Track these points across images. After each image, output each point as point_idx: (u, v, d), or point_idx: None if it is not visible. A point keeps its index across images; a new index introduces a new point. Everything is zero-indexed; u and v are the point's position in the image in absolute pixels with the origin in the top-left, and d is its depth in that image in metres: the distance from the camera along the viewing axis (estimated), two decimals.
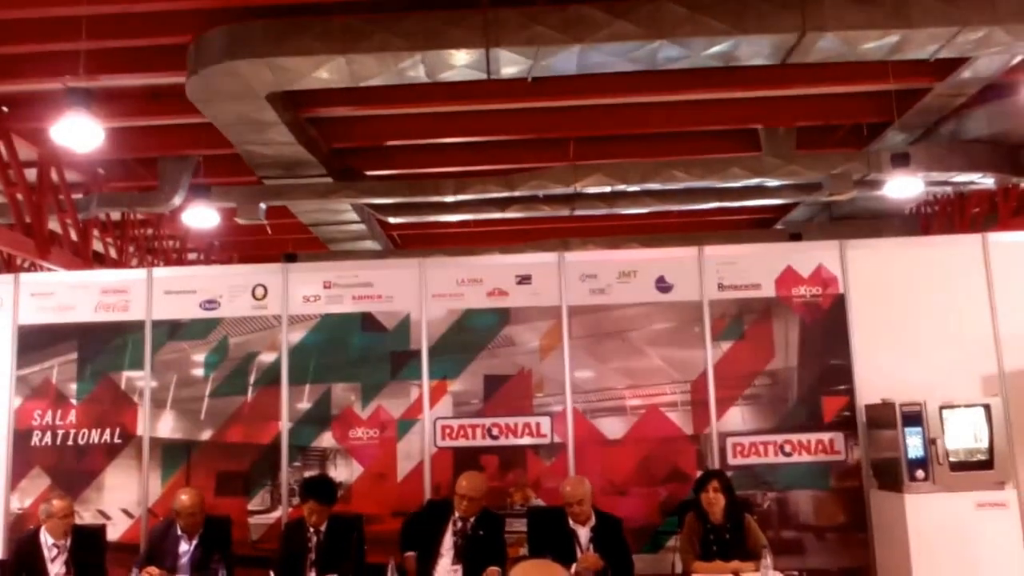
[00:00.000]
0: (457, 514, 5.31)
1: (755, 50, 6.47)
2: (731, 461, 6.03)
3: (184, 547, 5.28)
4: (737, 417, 6.13)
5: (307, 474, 6.02)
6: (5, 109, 8.38)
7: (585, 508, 5.23)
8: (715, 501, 5.18)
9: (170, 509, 5.50)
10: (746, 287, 6.27)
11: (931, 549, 5.38)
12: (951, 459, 5.54)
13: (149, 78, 7.75)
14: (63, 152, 8.92)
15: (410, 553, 5.28)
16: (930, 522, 5.43)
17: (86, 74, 6.49)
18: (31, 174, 9.33)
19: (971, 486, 5.50)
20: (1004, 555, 5.39)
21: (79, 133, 5.92)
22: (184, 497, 5.33)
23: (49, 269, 9.44)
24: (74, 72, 6.38)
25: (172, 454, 6.30)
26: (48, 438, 6.35)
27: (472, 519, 5.30)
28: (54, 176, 9.54)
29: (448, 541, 5.25)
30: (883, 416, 5.76)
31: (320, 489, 5.38)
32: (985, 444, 5.57)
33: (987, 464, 5.55)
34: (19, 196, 9.06)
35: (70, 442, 6.34)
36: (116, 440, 6.32)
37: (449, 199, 10.12)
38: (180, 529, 5.31)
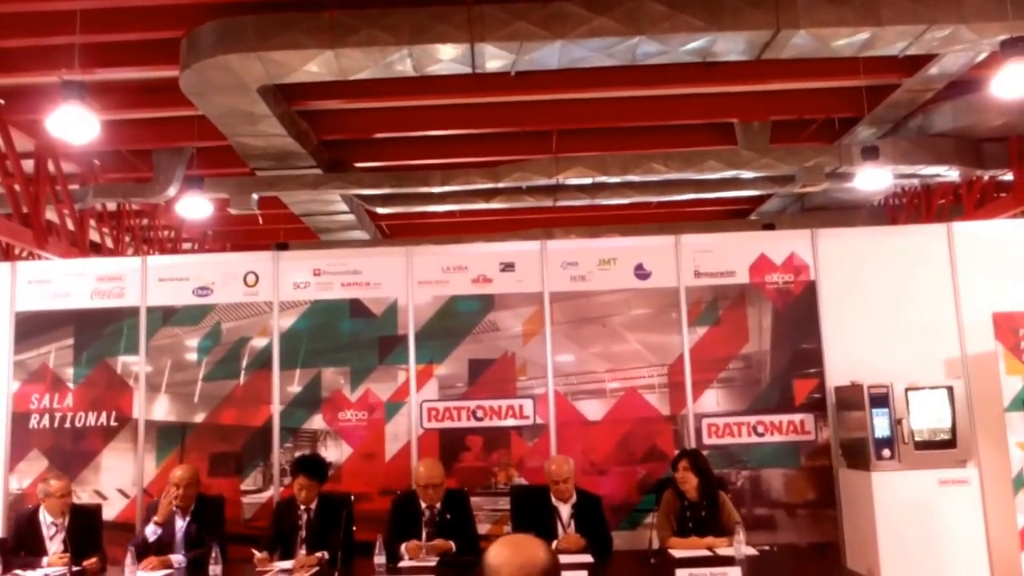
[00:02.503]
0: (424, 504, 5.39)
1: (731, 46, 6.62)
2: (706, 441, 6.16)
3: (180, 523, 5.36)
4: (712, 399, 6.27)
5: (298, 454, 6.10)
6: (2, 101, 8.44)
7: (569, 486, 5.37)
8: (686, 479, 5.33)
9: (165, 485, 5.54)
10: (721, 274, 6.41)
11: (896, 524, 5.54)
12: (916, 439, 5.69)
13: (143, 71, 7.82)
14: (60, 144, 8.97)
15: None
16: (895, 499, 5.59)
17: (81, 67, 6.54)
18: (28, 165, 9.41)
19: (935, 464, 5.65)
20: (965, 529, 5.56)
21: (74, 125, 5.98)
22: (179, 472, 5.43)
23: (47, 258, 9.54)
24: (69, 65, 6.44)
25: (167, 436, 6.39)
26: (46, 421, 6.43)
27: (438, 504, 5.39)
28: (51, 167, 9.60)
29: (423, 532, 5.31)
30: (851, 398, 5.92)
31: (311, 465, 5.49)
32: (948, 424, 5.72)
33: (950, 443, 5.70)
34: (17, 187, 9.12)
35: (67, 425, 6.41)
36: (112, 423, 6.41)
37: (436, 190, 10.26)
38: (175, 505, 5.37)
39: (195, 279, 6.58)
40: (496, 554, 1.93)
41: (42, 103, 7.34)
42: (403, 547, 5.09)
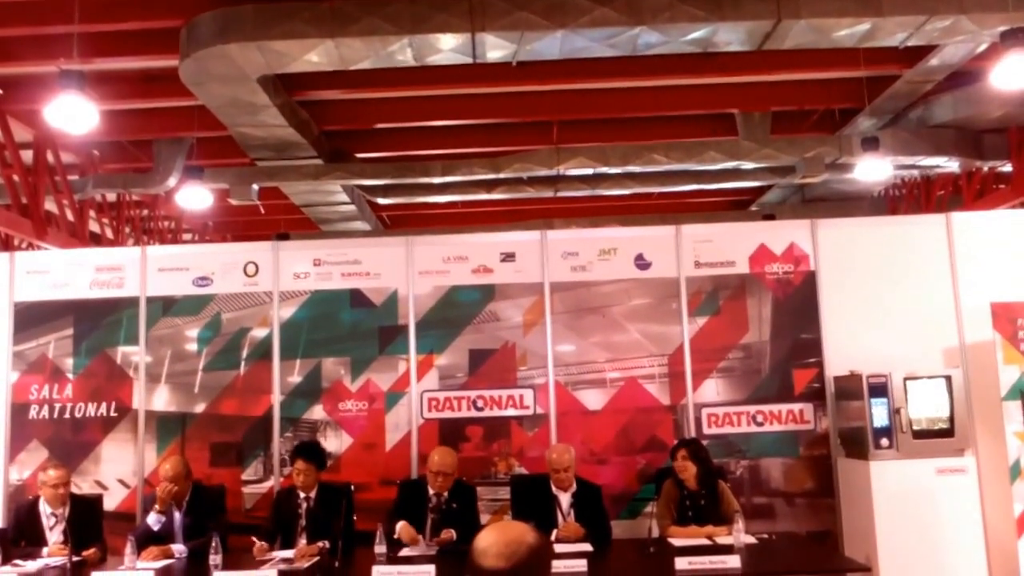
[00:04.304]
0: (432, 491, 5.39)
1: (732, 36, 6.61)
2: (706, 431, 6.17)
3: (177, 515, 5.36)
4: (712, 389, 6.28)
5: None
6: (0, 91, 8.42)
7: (569, 475, 5.40)
8: (684, 468, 5.37)
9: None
10: (721, 264, 6.40)
11: (894, 513, 5.56)
12: (914, 428, 5.71)
13: (142, 61, 7.82)
14: (59, 134, 8.95)
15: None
16: (893, 487, 5.61)
17: (80, 57, 6.52)
18: (27, 156, 9.40)
19: (932, 453, 5.67)
20: (962, 518, 5.59)
21: (73, 115, 5.95)
22: (167, 465, 5.41)
23: (46, 249, 9.53)
24: (68, 55, 6.41)
25: (167, 426, 6.38)
26: (45, 412, 6.42)
27: (445, 493, 5.39)
28: (50, 158, 9.61)
29: (427, 519, 5.33)
30: (850, 387, 5.93)
31: (307, 449, 5.51)
32: (946, 413, 5.74)
33: (948, 432, 5.72)
34: (15, 177, 9.14)
35: (67, 415, 6.41)
36: (112, 413, 6.40)
37: (437, 180, 10.30)
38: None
39: (195, 269, 6.56)
40: (484, 537, 1.99)
41: (41, 93, 7.32)
42: (399, 526, 5.07)
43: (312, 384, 6.40)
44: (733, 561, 4.45)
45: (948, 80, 8.57)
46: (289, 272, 6.53)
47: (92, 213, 11.27)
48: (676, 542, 5.01)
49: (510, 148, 10.03)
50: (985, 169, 10.31)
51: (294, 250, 6.62)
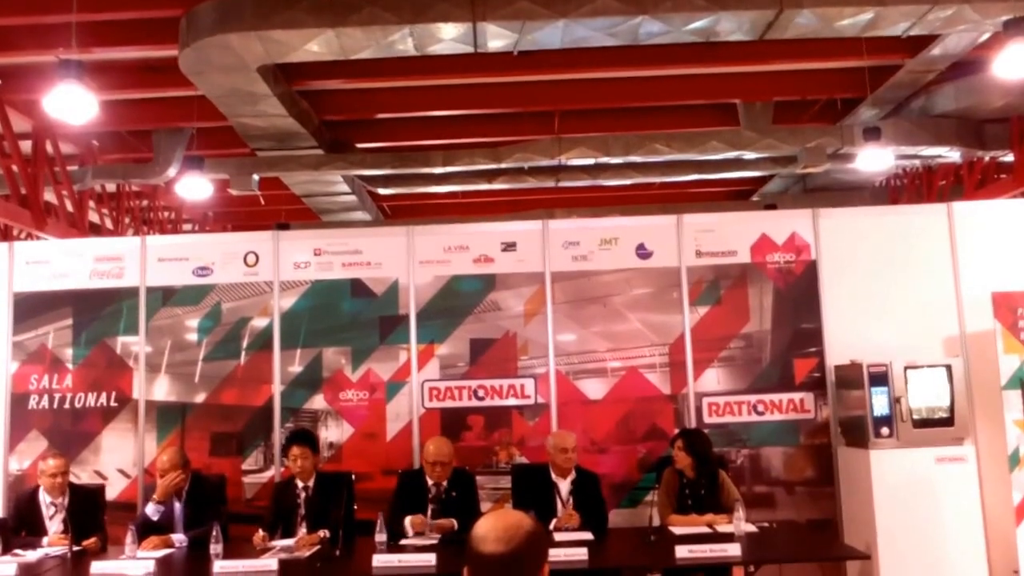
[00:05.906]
0: (431, 481, 5.40)
1: (734, 26, 6.56)
2: (707, 420, 6.17)
3: (177, 505, 5.36)
4: (713, 378, 6.28)
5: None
6: None
7: (571, 457, 5.43)
8: (679, 459, 5.41)
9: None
10: (723, 254, 6.39)
11: (894, 501, 5.56)
12: (914, 417, 5.70)
13: (142, 51, 7.79)
14: (58, 124, 8.93)
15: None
16: (893, 476, 5.61)
17: (79, 46, 6.49)
18: (26, 146, 9.40)
19: (932, 442, 5.67)
20: (962, 506, 5.59)
21: (72, 105, 5.92)
22: (164, 457, 5.41)
23: (45, 240, 9.52)
24: (67, 44, 6.37)
25: (167, 416, 6.38)
26: (45, 402, 6.42)
27: (444, 482, 5.40)
28: (49, 148, 9.59)
29: (428, 509, 5.33)
30: (851, 376, 5.92)
31: (299, 434, 5.54)
32: (946, 402, 5.73)
33: (948, 421, 5.71)
34: (14, 168, 9.12)
35: (67, 405, 6.40)
36: (112, 403, 6.40)
37: (438, 171, 10.29)
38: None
39: (195, 259, 6.54)
40: (482, 524, 2.02)
41: (40, 83, 7.29)
42: (407, 520, 5.09)
43: (313, 374, 6.39)
44: (733, 549, 4.47)
45: (950, 70, 8.55)
46: (289, 262, 6.52)
47: (91, 203, 11.27)
48: (677, 530, 5.04)
49: (511, 138, 10.02)
50: (986, 159, 10.32)
51: (294, 240, 6.60)
